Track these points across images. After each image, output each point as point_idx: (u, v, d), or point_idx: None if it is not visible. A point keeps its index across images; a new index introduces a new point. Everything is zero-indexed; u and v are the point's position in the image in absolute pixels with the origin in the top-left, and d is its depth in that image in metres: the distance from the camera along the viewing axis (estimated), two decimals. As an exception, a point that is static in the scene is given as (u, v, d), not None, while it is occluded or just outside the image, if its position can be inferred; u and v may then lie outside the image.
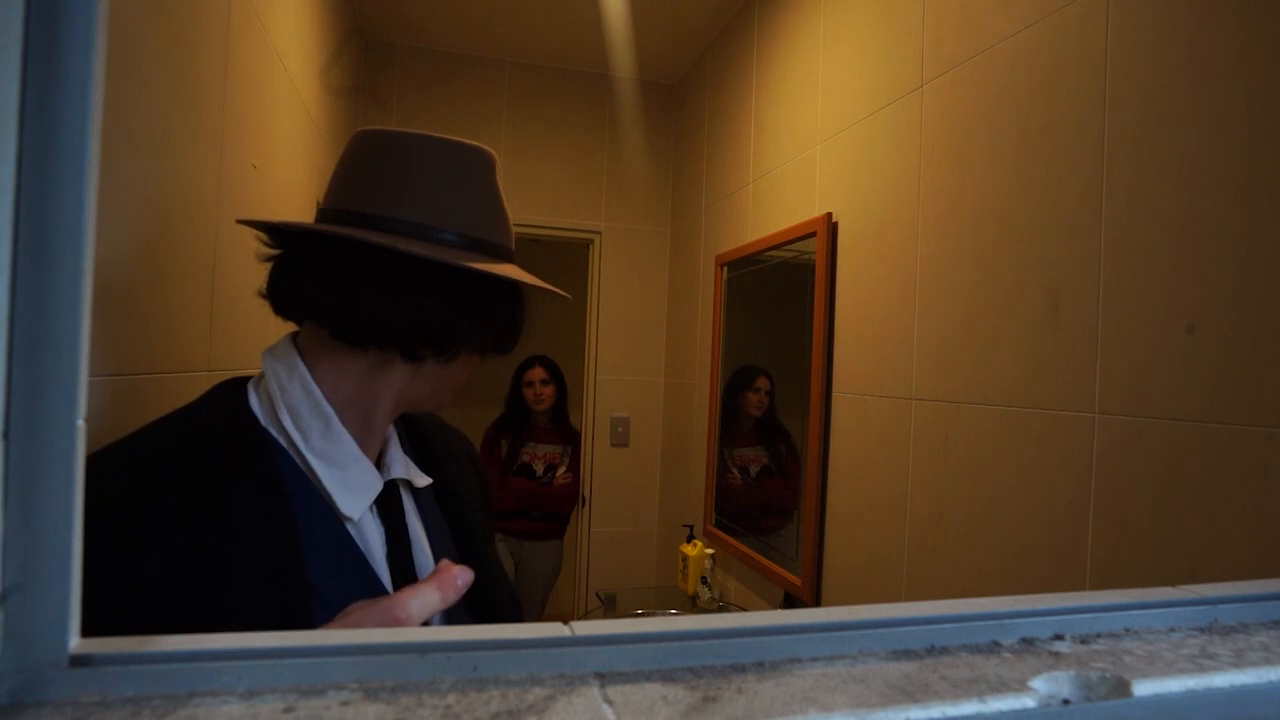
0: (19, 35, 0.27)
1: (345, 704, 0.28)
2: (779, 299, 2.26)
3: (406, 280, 0.67)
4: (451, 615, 0.75)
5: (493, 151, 0.76)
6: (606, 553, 3.30)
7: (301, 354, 0.70)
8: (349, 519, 0.67)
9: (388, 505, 0.72)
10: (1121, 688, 0.33)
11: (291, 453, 0.67)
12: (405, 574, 0.70)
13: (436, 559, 0.75)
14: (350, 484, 0.68)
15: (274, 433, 0.67)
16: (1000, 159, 1.32)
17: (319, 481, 0.66)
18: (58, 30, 0.28)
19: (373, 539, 0.69)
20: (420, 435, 0.85)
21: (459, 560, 0.79)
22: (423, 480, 0.77)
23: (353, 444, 0.69)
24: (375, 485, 0.70)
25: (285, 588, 0.59)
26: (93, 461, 0.60)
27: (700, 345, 2.87)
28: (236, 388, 0.70)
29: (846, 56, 1.91)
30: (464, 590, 0.51)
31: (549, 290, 0.76)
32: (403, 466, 0.75)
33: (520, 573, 3.10)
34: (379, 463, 0.74)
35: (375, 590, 0.67)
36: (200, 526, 0.58)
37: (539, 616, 3.16)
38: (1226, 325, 0.92)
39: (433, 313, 0.68)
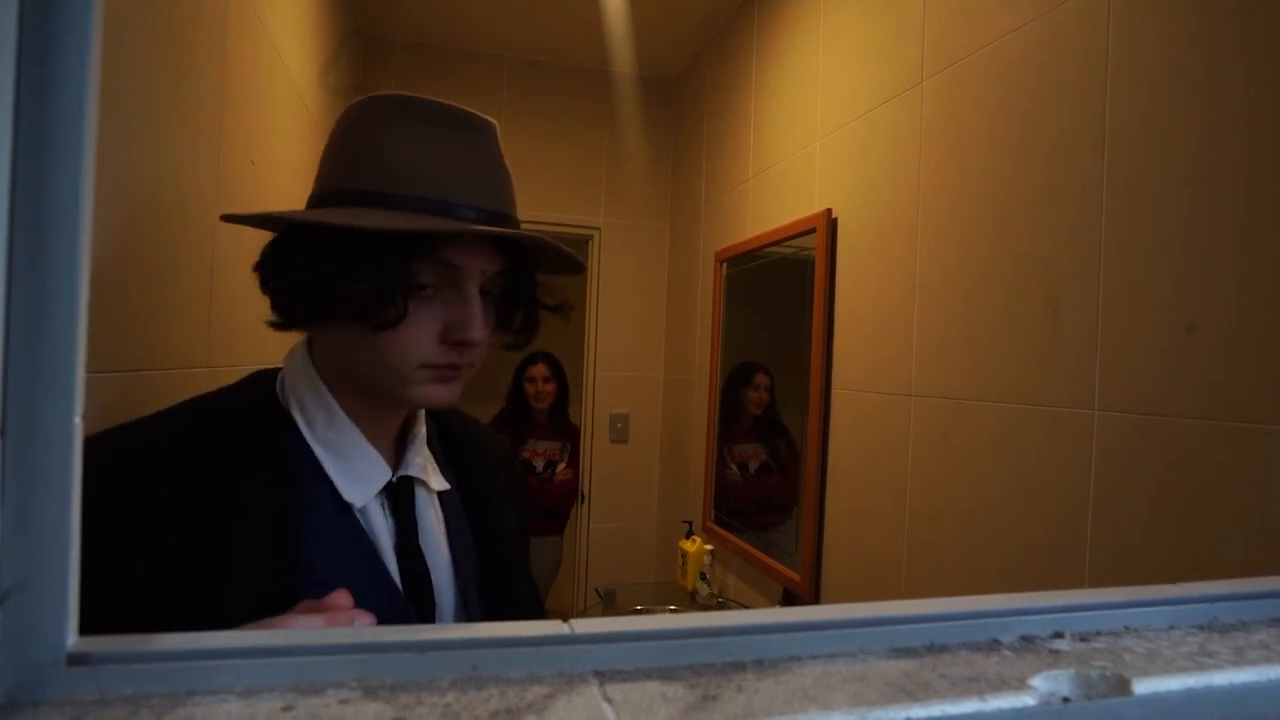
0: (13, 31, 0.27)
1: (344, 702, 0.28)
2: (779, 295, 2.26)
3: (290, 249, 0.66)
4: (469, 620, 0.75)
5: (381, 95, 0.71)
6: (605, 549, 3.30)
7: (310, 347, 0.73)
8: (353, 507, 0.68)
9: (400, 500, 0.72)
10: (1122, 686, 0.33)
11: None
12: (415, 569, 0.70)
13: (456, 560, 0.75)
14: (353, 473, 0.69)
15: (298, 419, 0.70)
16: (1000, 155, 1.31)
17: (325, 469, 0.68)
18: (53, 27, 0.28)
19: (380, 530, 0.69)
20: (452, 436, 0.85)
21: (479, 562, 0.79)
22: (439, 484, 0.77)
23: (356, 433, 0.70)
24: (380, 476, 0.70)
25: (277, 568, 0.60)
26: (108, 438, 0.62)
27: (700, 341, 2.87)
28: (269, 376, 0.73)
29: (846, 52, 1.91)
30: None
31: (447, 231, 0.64)
32: (421, 467, 0.75)
33: (520, 569, 3.10)
34: (399, 459, 0.74)
35: (380, 577, 0.68)
36: (197, 507, 0.60)
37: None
38: (1227, 323, 0.92)
39: (301, 275, 0.65)
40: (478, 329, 0.67)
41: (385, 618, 0.67)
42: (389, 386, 0.69)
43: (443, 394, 0.69)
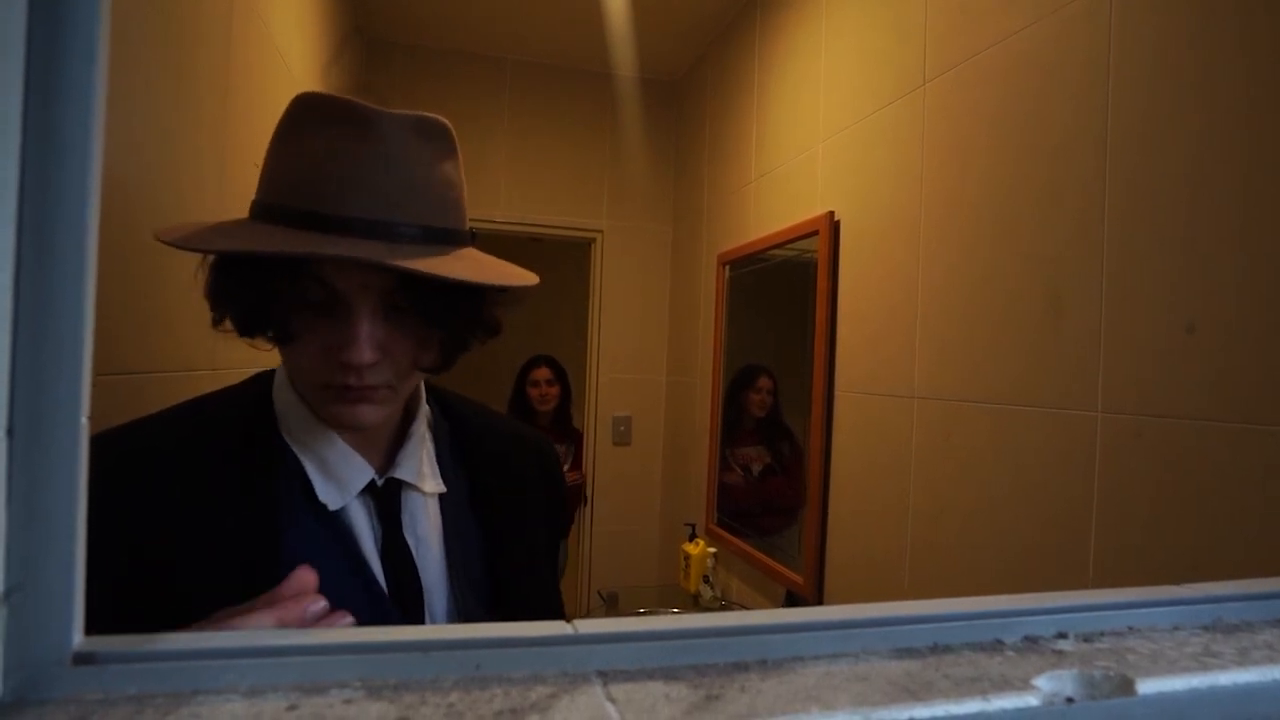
0: (22, 35, 0.27)
1: (348, 702, 0.28)
2: (781, 297, 2.26)
3: (208, 263, 0.66)
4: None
5: (308, 93, 0.68)
6: (608, 551, 3.30)
7: None
8: (328, 508, 0.67)
9: (386, 502, 0.71)
10: (1125, 686, 0.33)
11: None
12: (401, 572, 0.70)
13: (452, 564, 0.73)
14: (330, 475, 0.68)
15: None
16: (1002, 157, 1.31)
17: (306, 470, 0.68)
18: (60, 30, 0.28)
19: (363, 532, 0.69)
20: (467, 436, 0.81)
21: (486, 571, 0.77)
22: (434, 487, 0.74)
23: (331, 435, 0.69)
24: (360, 478, 0.69)
25: (256, 567, 0.61)
26: (106, 438, 0.64)
27: (702, 344, 2.87)
28: (269, 377, 0.73)
29: (848, 54, 1.91)
30: (312, 619, 0.50)
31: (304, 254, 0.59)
32: (413, 470, 0.73)
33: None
34: (390, 460, 0.73)
35: (361, 579, 0.67)
36: (188, 506, 0.62)
37: (541, 615, 3.15)
38: (1227, 324, 0.92)
39: (213, 289, 0.65)
40: (356, 351, 0.61)
41: (366, 619, 0.66)
42: (310, 403, 0.68)
43: (348, 416, 0.65)
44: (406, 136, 0.64)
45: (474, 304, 0.68)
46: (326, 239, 0.60)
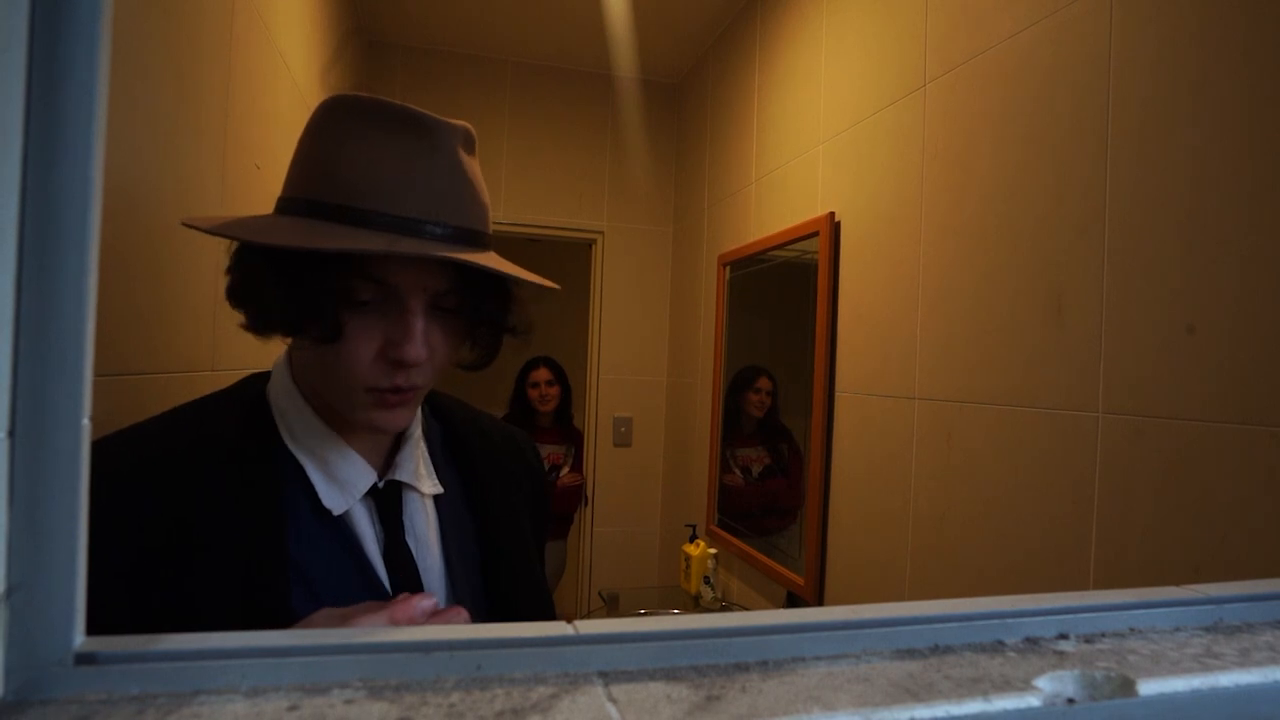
0: (24, 36, 0.27)
1: (349, 702, 0.28)
2: (782, 298, 2.26)
3: (237, 258, 0.65)
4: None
5: (335, 98, 0.68)
6: (609, 552, 3.30)
7: (290, 354, 0.72)
8: (332, 512, 0.67)
9: (387, 505, 0.71)
10: (1126, 687, 0.33)
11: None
12: (404, 574, 0.70)
13: (451, 564, 0.74)
14: (333, 478, 0.68)
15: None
16: (1003, 158, 1.32)
17: (307, 475, 0.68)
18: (62, 32, 0.28)
19: (366, 535, 0.69)
20: (457, 436, 0.82)
21: (482, 570, 0.77)
22: (432, 488, 0.75)
23: (336, 439, 0.69)
24: (363, 481, 0.69)
25: (263, 572, 0.61)
26: (103, 444, 0.63)
27: (703, 345, 2.87)
28: (262, 379, 0.73)
29: (849, 55, 1.91)
30: (423, 616, 0.52)
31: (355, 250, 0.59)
32: (411, 471, 0.73)
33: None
34: (388, 462, 0.73)
35: (366, 581, 0.67)
36: (189, 513, 0.61)
37: (542, 616, 3.15)
38: (1230, 325, 0.92)
39: (246, 284, 0.65)
40: (414, 349, 0.63)
41: None
42: (339, 407, 0.67)
43: (388, 420, 0.66)
44: (457, 144, 0.66)
45: (511, 304, 0.71)
46: (389, 237, 0.60)
